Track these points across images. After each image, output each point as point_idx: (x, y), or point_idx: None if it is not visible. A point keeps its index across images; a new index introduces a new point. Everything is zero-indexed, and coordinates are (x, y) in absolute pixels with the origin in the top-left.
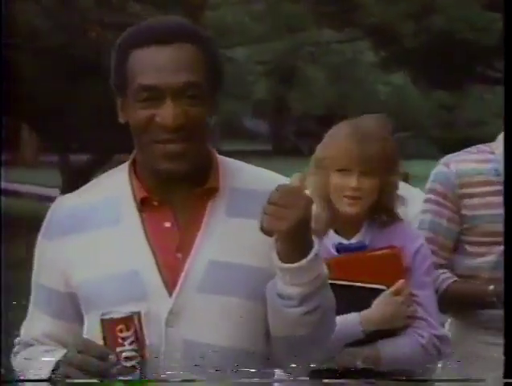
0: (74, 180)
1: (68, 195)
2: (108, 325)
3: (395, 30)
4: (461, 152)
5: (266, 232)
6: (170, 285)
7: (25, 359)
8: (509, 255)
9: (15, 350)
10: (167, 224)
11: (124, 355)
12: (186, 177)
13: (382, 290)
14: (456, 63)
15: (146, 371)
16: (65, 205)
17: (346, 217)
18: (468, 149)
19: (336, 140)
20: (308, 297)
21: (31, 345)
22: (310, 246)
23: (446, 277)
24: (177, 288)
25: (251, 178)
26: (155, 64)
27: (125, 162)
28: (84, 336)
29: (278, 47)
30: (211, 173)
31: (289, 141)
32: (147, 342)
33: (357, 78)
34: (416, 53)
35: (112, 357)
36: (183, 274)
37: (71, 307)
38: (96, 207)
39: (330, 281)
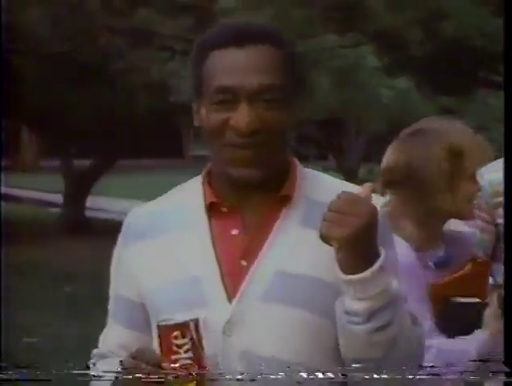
0: (76, 185)
1: (141, 205)
2: (163, 331)
3: (402, 37)
4: (494, 161)
5: (325, 238)
6: (231, 292)
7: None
8: (510, 255)
9: (92, 361)
10: (235, 231)
11: (179, 363)
12: (258, 184)
13: (477, 303)
14: (461, 69)
15: (203, 381)
16: (139, 213)
17: None
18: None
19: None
20: (376, 312)
21: (107, 357)
22: (375, 257)
23: None
24: (238, 295)
25: (330, 190)
26: (232, 66)
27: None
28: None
29: None
30: (287, 180)
31: (288, 147)
32: (206, 350)
33: (359, 82)
34: (421, 59)
35: (165, 364)
36: (245, 282)
37: (143, 317)
38: (166, 213)
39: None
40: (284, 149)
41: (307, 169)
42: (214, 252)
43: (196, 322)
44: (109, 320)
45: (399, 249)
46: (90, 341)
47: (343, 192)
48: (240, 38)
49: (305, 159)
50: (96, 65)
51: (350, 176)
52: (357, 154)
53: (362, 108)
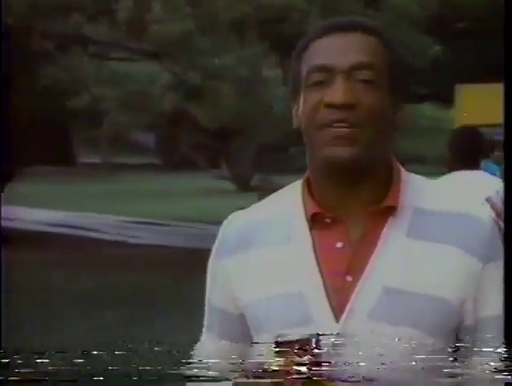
0: None
1: (239, 212)
2: (283, 347)
3: None
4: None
5: None
6: (337, 309)
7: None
8: (510, 254)
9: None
10: (339, 244)
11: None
12: (359, 190)
13: None
14: None
15: None
16: (236, 223)
17: None
18: None
19: None
20: None
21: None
22: None
23: None
24: (345, 313)
25: (435, 196)
26: (330, 47)
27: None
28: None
29: (184, 59)
30: (391, 189)
31: (180, 155)
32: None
33: (260, 93)
34: None
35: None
36: (352, 299)
37: (240, 328)
38: (266, 224)
39: None
40: (386, 141)
41: (409, 173)
42: (318, 267)
43: (317, 337)
44: (204, 330)
45: None
46: None
47: None
48: (342, 25)
49: (198, 167)
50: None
51: (243, 185)
52: (249, 163)
53: (257, 119)
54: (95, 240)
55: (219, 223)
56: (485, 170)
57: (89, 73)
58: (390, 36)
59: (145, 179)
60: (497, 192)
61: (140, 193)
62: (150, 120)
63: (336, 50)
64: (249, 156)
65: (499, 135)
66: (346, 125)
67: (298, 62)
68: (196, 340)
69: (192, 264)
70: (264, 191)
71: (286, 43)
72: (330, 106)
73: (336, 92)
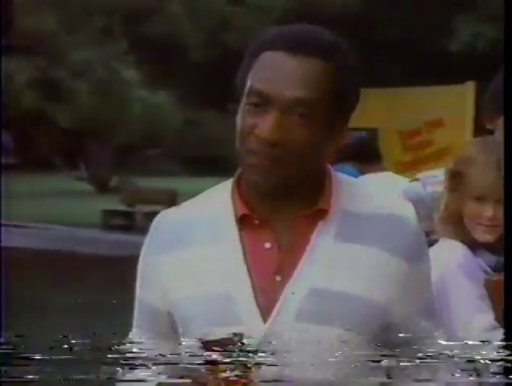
0: None
1: (168, 210)
2: (208, 346)
3: (180, 44)
4: (439, 172)
5: None
6: (265, 311)
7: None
8: (510, 254)
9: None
10: (267, 245)
11: (225, 379)
12: (285, 195)
13: None
14: (229, 80)
15: None
16: (166, 221)
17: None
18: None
19: (473, 167)
20: None
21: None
22: None
23: None
24: (273, 314)
25: (367, 200)
26: (275, 71)
27: None
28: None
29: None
30: (322, 193)
31: (39, 155)
32: (250, 365)
33: (117, 94)
34: (182, 70)
35: (210, 380)
36: (280, 300)
37: (168, 326)
38: (195, 223)
39: None
40: (317, 163)
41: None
42: (246, 267)
43: (241, 336)
44: (134, 326)
45: (456, 250)
46: None
47: None
48: (293, 44)
49: (56, 168)
50: None
51: (101, 186)
52: (108, 165)
53: (115, 120)
54: None
55: (79, 225)
56: (344, 172)
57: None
58: (345, 53)
59: (3, 180)
60: (404, 191)
61: None
62: (8, 118)
63: (278, 77)
64: (107, 157)
65: (361, 139)
66: (271, 160)
67: (247, 66)
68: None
69: (38, 265)
70: (124, 193)
71: (147, 43)
72: (257, 136)
73: (267, 127)
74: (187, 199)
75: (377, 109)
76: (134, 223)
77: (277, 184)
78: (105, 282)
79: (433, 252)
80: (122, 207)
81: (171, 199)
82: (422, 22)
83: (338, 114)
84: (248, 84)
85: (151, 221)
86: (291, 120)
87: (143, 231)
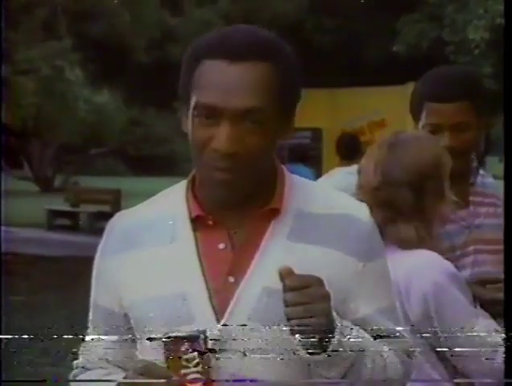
0: None
1: (124, 212)
2: (171, 345)
3: (123, 44)
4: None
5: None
6: (219, 311)
7: (83, 380)
8: (510, 254)
9: (74, 373)
10: (221, 246)
11: (189, 377)
12: (243, 198)
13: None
14: (165, 82)
15: None
16: (121, 222)
17: None
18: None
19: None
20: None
21: (89, 369)
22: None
23: None
24: (226, 315)
25: (319, 200)
26: (220, 82)
27: None
28: (142, 358)
29: None
30: (275, 193)
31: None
32: (213, 363)
33: (60, 92)
34: (126, 70)
35: (175, 379)
36: (233, 300)
37: (126, 328)
38: (150, 224)
39: None
40: (268, 166)
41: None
42: (200, 268)
43: (205, 334)
44: (90, 330)
45: (436, 261)
46: None
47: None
48: (235, 50)
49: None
50: None
51: (45, 186)
52: (51, 164)
53: (57, 119)
54: None
55: (22, 225)
56: (297, 172)
57: None
58: (286, 52)
59: None
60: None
61: None
62: None
63: (225, 87)
64: (51, 156)
65: (305, 138)
66: (229, 172)
67: (187, 74)
68: None
69: None
70: (69, 192)
71: (91, 42)
72: (214, 151)
73: (222, 139)
74: (131, 199)
75: (321, 109)
76: (79, 224)
77: (238, 195)
78: (49, 282)
79: (415, 259)
80: (67, 207)
81: (116, 199)
82: (367, 25)
83: (284, 114)
84: (194, 97)
85: (96, 221)
86: (243, 128)
87: (87, 231)
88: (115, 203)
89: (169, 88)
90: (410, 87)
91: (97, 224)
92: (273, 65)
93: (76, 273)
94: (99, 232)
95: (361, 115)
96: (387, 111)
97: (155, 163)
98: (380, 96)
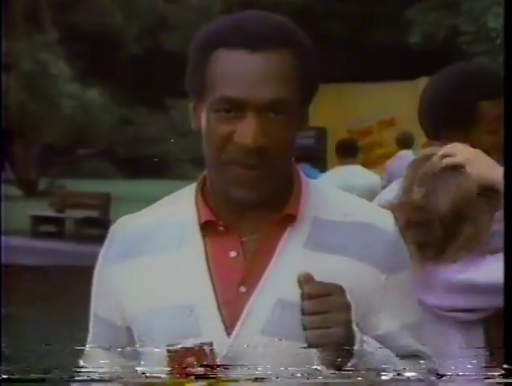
0: None
1: (126, 217)
2: (175, 357)
3: (112, 38)
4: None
5: (316, 346)
6: (229, 323)
7: None
8: (510, 254)
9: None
10: (233, 254)
11: None
12: (260, 201)
13: None
14: (157, 80)
15: None
16: (124, 228)
17: None
18: None
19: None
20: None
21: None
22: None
23: None
24: (237, 328)
25: (337, 206)
26: (242, 73)
27: None
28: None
29: None
30: (290, 198)
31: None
32: (220, 376)
33: (45, 89)
34: (115, 65)
35: None
36: (245, 312)
37: (126, 342)
38: (156, 230)
39: None
40: (290, 163)
41: (313, 182)
42: (210, 277)
43: (211, 345)
44: (90, 343)
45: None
46: None
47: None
48: (253, 40)
49: None
50: None
51: (29, 189)
52: (35, 166)
53: (42, 117)
54: None
55: (4, 233)
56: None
57: None
58: (304, 38)
59: None
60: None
61: None
62: None
63: (248, 78)
64: (35, 158)
65: (309, 138)
66: (255, 169)
67: (200, 64)
68: None
69: None
70: (54, 197)
71: (79, 34)
72: (240, 147)
73: (248, 133)
74: (121, 203)
75: (327, 107)
76: (64, 230)
77: (259, 196)
78: (32, 294)
79: None
80: (52, 213)
81: (105, 203)
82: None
83: (305, 104)
84: (212, 90)
85: (83, 228)
86: (268, 121)
87: (74, 238)
88: (104, 207)
89: (163, 83)
90: (421, 82)
91: (84, 231)
92: (294, 52)
93: (62, 283)
94: (86, 239)
95: (370, 113)
96: (397, 109)
97: (147, 165)
98: (390, 93)
